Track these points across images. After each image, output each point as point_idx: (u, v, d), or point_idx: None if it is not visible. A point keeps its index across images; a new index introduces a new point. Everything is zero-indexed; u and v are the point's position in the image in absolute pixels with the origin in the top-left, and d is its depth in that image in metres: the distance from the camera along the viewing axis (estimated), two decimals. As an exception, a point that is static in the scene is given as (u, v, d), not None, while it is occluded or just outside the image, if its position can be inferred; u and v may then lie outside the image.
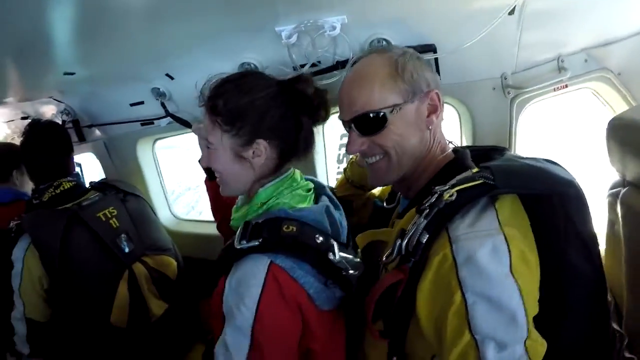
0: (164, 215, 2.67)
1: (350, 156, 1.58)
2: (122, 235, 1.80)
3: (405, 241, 0.88)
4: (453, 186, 0.88)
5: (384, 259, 0.95)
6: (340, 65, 1.49)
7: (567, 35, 1.43)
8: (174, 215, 2.74)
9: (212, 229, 1.79)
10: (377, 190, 1.58)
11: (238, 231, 1.07)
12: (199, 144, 1.23)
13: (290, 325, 1.02)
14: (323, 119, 1.19)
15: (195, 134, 1.24)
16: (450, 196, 0.85)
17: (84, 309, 1.67)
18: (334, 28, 1.33)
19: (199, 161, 1.30)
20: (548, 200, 0.88)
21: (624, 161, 1.12)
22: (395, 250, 0.90)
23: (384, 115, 1.04)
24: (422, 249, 0.85)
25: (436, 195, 0.89)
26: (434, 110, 1.09)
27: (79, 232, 1.69)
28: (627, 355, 1.00)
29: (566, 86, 1.52)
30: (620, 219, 1.12)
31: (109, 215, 1.82)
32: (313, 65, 1.52)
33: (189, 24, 1.42)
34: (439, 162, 1.10)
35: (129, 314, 1.75)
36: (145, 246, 1.88)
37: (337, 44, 1.41)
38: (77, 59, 1.71)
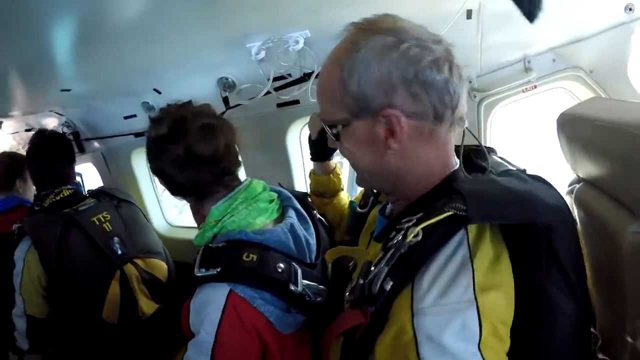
0: (157, 222, 2.79)
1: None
2: (115, 238, 1.91)
3: (367, 281, 0.78)
4: (420, 220, 0.76)
5: (346, 295, 0.87)
6: (307, 77, 1.58)
7: (532, 35, 1.41)
8: (168, 223, 2.86)
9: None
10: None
11: (198, 255, 1.08)
12: None
13: (249, 350, 1.04)
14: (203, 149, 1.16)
15: None
16: (415, 236, 0.73)
17: (78, 305, 1.78)
18: (297, 42, 1.42)
19: None
20: (530, 228, 0.75)
21: (574, 157, 1.09)
22: (358, 291, 0.81)
23: (335, 127, 0.87)
24: (385, 297, 0.75)
25: (402, 233, 0.77)
26: (391, 134, 0.81)
27: (75, 234, 1.82)
28: (601, 356, 0.94)
29: (535, 87, 1.51)
30: (576, 217, 1.09)
31: (103, 220, 1.94)
32: (283, 78, 1.62)
33: (172, 42, 1.53)
34: (427, 185, 0.89)
35: (120, 312, 1.86)
36: (136, 249, 1.99)
37: (304, 57, 1.50)
38: (74, 76, 1.85)
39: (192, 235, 2.60)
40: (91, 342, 1.80)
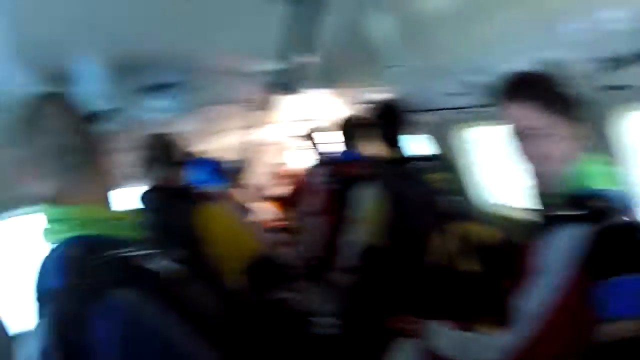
0: (483, 196, 2.93)
1: None
2: (447, 196, 2.26)
3: None
4: None
5: None
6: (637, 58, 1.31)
7: None
8: (487, 198, 2.94)
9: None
10: None
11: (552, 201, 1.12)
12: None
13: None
14: None
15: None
16: None
17: (406, 246, 2.18)
18: (620, 21, 1.22)
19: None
20: None
21: None
22: None
23: None
24: None
25: None
26: None
27: (410, 185, 2.25)
28: None
29: None
30: None
31: (437, 179, 2.30)
32: (608, 60, 1.40)
33: (490, 26, 1.64)
34: None
35: (442, 265, 2.15)
36: (459, 213, 2.27)
37: (631, 37, 1.26)
38: (399, 53, 2.19)
39: (516, 214, 2.66)
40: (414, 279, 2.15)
